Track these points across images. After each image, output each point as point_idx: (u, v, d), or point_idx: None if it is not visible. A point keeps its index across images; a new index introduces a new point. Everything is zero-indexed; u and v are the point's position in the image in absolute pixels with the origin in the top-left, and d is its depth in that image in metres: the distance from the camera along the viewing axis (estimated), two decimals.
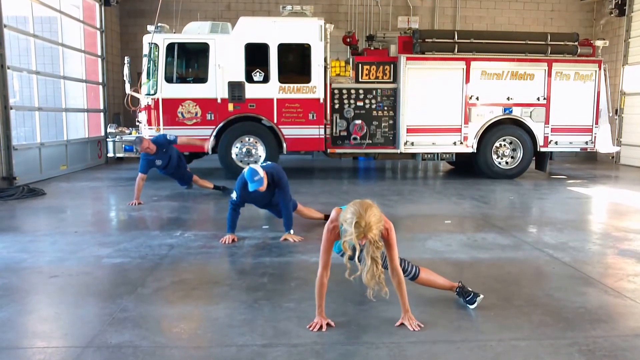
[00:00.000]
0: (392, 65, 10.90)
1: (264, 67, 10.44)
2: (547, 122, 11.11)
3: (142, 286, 4.32)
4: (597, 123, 11.32)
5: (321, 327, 3.47)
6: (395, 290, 3.57)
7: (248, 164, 10.56)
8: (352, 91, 10.86)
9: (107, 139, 11.30)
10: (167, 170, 8.63)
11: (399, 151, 11.05)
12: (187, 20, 11.62)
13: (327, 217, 5.45)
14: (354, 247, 3.23)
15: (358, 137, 10.84)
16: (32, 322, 3.71)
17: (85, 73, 13.22)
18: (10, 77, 9.92)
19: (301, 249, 5.47)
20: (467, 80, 10.87)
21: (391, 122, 10.99)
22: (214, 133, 10.43)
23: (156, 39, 10.26)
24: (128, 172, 11.85)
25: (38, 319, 3.76)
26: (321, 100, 10.54)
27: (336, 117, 10.84)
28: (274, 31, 10.46)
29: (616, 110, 14.23)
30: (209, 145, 9.96)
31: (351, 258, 3.31)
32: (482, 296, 3.86)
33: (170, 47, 10.30)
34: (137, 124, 11.24)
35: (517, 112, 11.05)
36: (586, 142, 11.40)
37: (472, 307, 3.82)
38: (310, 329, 3.45)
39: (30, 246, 5.58)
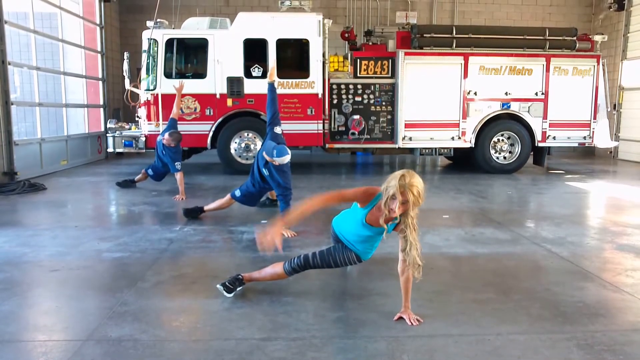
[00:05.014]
0: (390, 61, 10.90)
1: (263, 62, 10.44)
2: (545, 117, 11.12)
3: (142, 280, 4.34)
4: (595, 118, 11.33)
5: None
6: (401, 284, 3.55)
7: (247, 159, 10.65)
8: (351, 86, 10.87)
9: (107, 134, 11.30)
10: (163, 159, 8.50)
11: (397, 146, 11.08)
12: (186, 16, 11.63)
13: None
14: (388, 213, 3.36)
15: (356, 132, 10.85)
16: (33, 316, 3.73)
17: (85, 69, 13.24)
18: (11, 73, 9.92)
19: (299, 244, 5.49)
20: (465, 75, 10.88)
21: (389, 117, 11.01)
22: (213, 128, 10.47)
23: (155, 34, 10.27)
24: (128, 167, 11.88)
25: (39, 313, 3.78)
26: (319, 96, 10.55)
27: (334, 112, 10.85)
28: (273, 27, 10.45)
29: (614, 105, 14.25)
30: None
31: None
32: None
33: (169, 43, 10.31)
34: (136, 119, 11.25)
35: (515, 107, 11.07)
36: (584, 137, 11.42)
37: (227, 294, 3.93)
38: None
39: (31, 240, 5.60)
